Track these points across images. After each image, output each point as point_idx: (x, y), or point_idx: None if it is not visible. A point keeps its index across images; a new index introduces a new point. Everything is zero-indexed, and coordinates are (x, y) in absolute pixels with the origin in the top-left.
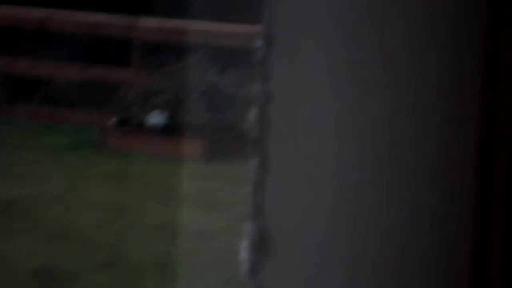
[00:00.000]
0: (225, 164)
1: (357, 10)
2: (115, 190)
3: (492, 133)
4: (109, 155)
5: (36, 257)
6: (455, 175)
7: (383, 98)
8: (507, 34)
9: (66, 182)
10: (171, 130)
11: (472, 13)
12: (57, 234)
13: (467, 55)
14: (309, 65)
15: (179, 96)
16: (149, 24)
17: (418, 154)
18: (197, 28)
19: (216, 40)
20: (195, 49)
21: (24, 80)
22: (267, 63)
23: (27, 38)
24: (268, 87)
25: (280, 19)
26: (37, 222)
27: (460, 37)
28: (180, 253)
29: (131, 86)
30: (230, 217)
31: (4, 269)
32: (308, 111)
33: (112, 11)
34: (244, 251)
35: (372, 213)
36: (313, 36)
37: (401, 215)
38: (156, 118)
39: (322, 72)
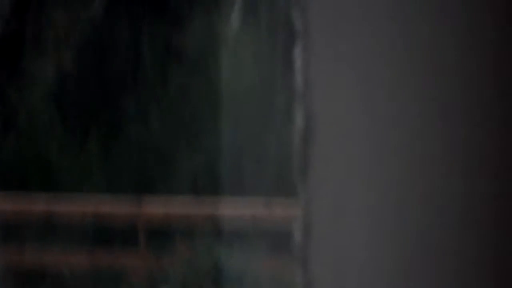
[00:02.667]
0: None
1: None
2: None
3: None
4: None
5: None
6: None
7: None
8: None
9: None
10: None
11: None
12: None
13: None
14: (350, 250)
15: (187, 280)
16: (155, 205)
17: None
18: (204, 208)
19: (223, 222)
20: (202, 229)
21: (30, 272)
22: (305, 250)
23: (31, 228)
24: (308, 275)
25: (317, 202)
26: None
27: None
28: None
29: (138, 271)
30: None
31: None
32: None
33: (118, 191)
34: None
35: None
36: (352, 219)
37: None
38: None
39: (363, 256)
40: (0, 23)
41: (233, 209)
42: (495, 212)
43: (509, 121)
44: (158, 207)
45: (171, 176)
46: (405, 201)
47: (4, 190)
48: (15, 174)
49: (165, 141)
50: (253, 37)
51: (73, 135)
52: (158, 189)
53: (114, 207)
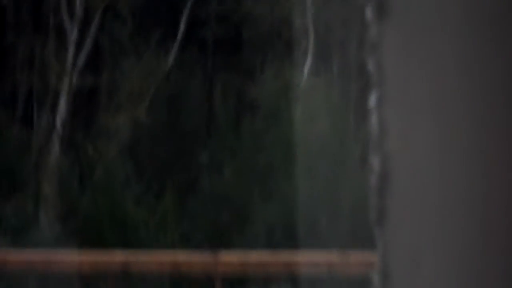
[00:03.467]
0: None
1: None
2: None
3: None
4: None
5: None
6: None
7: None
8: None
9: None
10: None
11: None
12: None
13: None
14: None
15: None
16: (231, 255)
17: None
18: (278, 259)
19: (298, 270)
20: (277, 280)
21: None
22: None
23: (111, 283)
24: None
25: (394, 252)
26: None
27: None
28: None
29: None
30: None
31: None
32: None
33: (194, 247)
34: None
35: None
36: (430, 267)
37: None
38: None
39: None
40: (76, 77)
41: (309, 259)
42: None
43: None
44: (234, 258)
45: (246, 227)
46: (484, 248)
47: (81, 243)
48: (91, 228)
49: (240, 192)
50: (326, 85)
51: (148, 188)
52: (234, 240)
53: (191, 258)
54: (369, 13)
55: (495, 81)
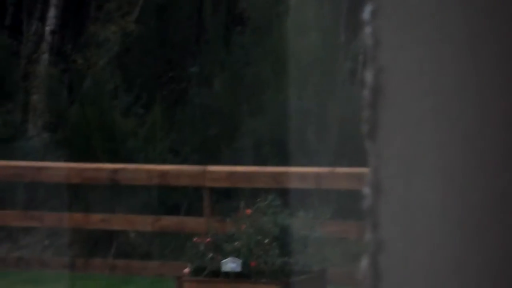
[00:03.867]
0: None
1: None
2: None
3: None
4: None
5: None
6: None
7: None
8: None
9: None
10: (245, 276)
11: None
12: None
13: None
14: (420, 211)
15: (251, 241)
16: (219, 166)
17: None
18: (265, 172)
19: (285, 183)
20: (265, 193)
21: (98, 234)
22: (376, 211)
23: (99, 193)
24: (379, 235)
25: (386, 165)
26: None
27: None
28: None
29: (203, 234)
30: None
31: None
32: (420, 260)
33: (182, 159)
34: None
35: None
36: (422, 180)
37: None
38: (230, 265)
39: (434, 218)
40: None
41: (297, 172)
42: None
43: None
44: (222, 170)
45: (234, 140)
46: (477, 159)
47: (70, 154)
48: (80, 138)
49: (229, 104)
50: None
51: (137, 99)
52: (222, 153)
53: (179, 170)
54: None
55: None
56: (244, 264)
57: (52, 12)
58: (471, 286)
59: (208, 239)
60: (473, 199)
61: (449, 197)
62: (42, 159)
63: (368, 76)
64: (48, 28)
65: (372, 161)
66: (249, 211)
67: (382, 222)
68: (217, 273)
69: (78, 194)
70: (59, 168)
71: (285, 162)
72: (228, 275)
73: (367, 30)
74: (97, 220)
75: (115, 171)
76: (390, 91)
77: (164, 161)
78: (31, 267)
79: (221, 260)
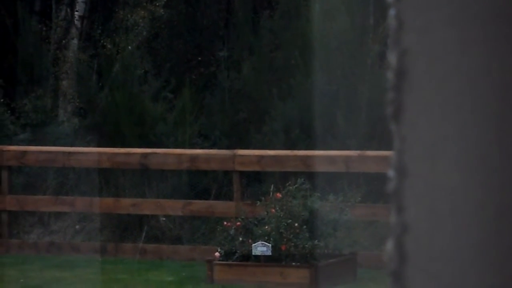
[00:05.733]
0: None
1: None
2: None
3: None
4: None
5: None
6: None
7: None
8: None
9: None
10: (276, 259)
11: None
12: None
13: None
14: (444, 193)
15: (281, 224)
16: (248, 155)
17: None
18: (295, 155)
19: (315, 166)
20: (294, 176)
21: (128, 219)
22: (401, 193)
23: (129, 178)
24: (404, 218)
25: (411, 147)
26: None
27: None
28: None
29: (233, 218)
30: None
31: None
32: (445, 241)
33: (211, 143)
34: None
35: None
36: (447, 162)
37: None
38: (260, 249)
39: (458, 200)
40: None
41: (326, 155)
42: None
43: None
44: (251, 154)
45: (263, 124)
46: (501, 141)
47: (100, 139)
48: (110, 123)
49: (258, 88)
50: None
51: (166, 84)
52: (251, 136)
53: (209, 154)
54: None
55: None
56: (275, 248)
57: None
58: (495, 267)
59: (238, 223)
60: (497, 181)
61: (473, 179)
62: (73, 144)
63: (392, 58)
64: (77, 14)
65: (397, 144)
66: (278, 194)
67: (406, 205)
68: (247, 257)
69: (108, 179)
70: (90, 153)
71: (314, 145)
72: (258, 258)
73: (391, 12)
74: (127, 205)
75: (145, 155)
76: (414, 73)
77: (193, 146)
78: (63, 252)
79: (252, 244)
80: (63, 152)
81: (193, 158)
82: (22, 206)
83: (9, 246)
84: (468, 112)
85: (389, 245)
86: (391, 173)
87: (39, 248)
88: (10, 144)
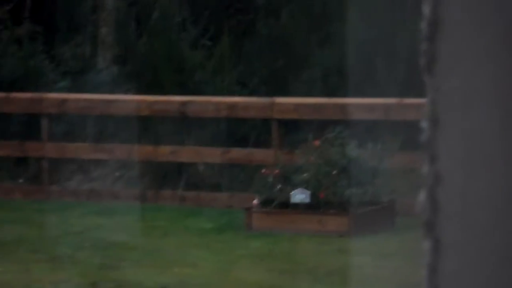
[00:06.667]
0: (370, 238)
1: None
2: (264, 270)
3: None
4: (254, 236)
5: None
6: None
7: None
8: None
9: (215, 265)
10: (314, 207)
11: None
12: None
13: None
14: (478, 143)
15: (320, 172)
16: (286, 103)
17: None
18: (333, 103)
19: (354, 114)
20: (333, 124)
21: (167, 166)
22: (434, 144)
23: (168, 125)
24: (436, 168)
25: (444, 98)
26: None
27: None
28: None
29: (271, 166)
30: None
31: None
32: (478, 192)
33: (250, 91)
34: None
35: None
36: (480, 112)
37: None
38: (298, 196)
39: (491, 150)
40: None
41: (365, 102)
42: None
43: None
44: (290, 102)
45: (302, 71)
46: None
47: (139, 87)
48: (148, 71)
49: (296, 36)
50: None
51: (205, 31)
52: (290, 83)
53: (247, 102)
54: None
55: None
56: (313, 195)
57: None
58: None
59: (277, 171)
60: None
61: (506, 128)
62: (112, 92)
63: (426, 8)
64: None
65: (430, 94)
66: (317, 142)
67: (439, 155)
68: (285, 205)
69: (147, 127)
70: (129, 101)
71: (353, 93)
72: (297, 206)
73: None
74: (166, 152)
75: (184, 103)
76: (448, 23)
77: (232, 93)
78: (102, 199)
79: (290, 192)
80: (102, 100)
81: (232, 106)
82: (62, 153)
83: (49, 193)
84: (502, 62)
85: (422, 196)
86: (424, 123)
87: (79, 195)
88: (50, 92)
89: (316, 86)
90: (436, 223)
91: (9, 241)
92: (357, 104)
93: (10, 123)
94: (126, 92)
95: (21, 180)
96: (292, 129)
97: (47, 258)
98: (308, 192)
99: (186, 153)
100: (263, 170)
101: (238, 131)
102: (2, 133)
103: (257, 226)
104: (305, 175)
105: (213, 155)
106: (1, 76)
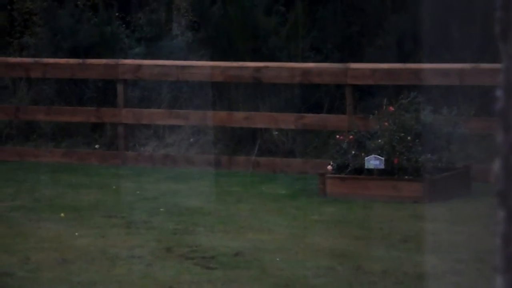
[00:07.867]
0: (445, 204)
1: None
2: (338, 236)
3: None
4: (328, 202)
5: None
6: None
7: None
8: None
9: (289, 231)
10: (388, 173)
11: None
12: (282, 282)
13: None
14: None
15: (394, 138)
16: (361, 68)
17: None
18: (408, 68)
19: (428, 80)
20: (407, 90)
21: (241, 132)
22: (508, 113)
23: (242, 91)
24: (511, 138)
25: None
26: (263, 270)
27: None
28: None
29: (346, 131)
30: (457, 258)
31: None
32: None
33: (324, 57)
34: None
35: None
36: None
37: None
38: (373, 162)
39: None
40: None
41: (440, 67)
42: None
43: None
44: (364, 67)
45: (376, 37)
46: None
47: (213, 53)
48: (223, 37)
49: (371, 0)
50: None
51: None
52: (364, 49)
53: (321, 67)
54: None
55: None
56: (387, 161)
57: None
58: None
59: (351, 137)
60: None
61: None
62: (186, 58)
63: None
64: None
65: (505, 62)
66: (391, 108)
67: None
68: (360, 170)
69: (221, 93)
70: (203, 67)
71: (428, 58)
72: (371, 172)
73: None
74: (240, 118)
75: (258, 69)
76: None
77: (306, 59)
78: (177, 165)
79: (364, 157)
80: (177, 66)
81: (306, 72)
82: (138, 119)
83: (125, 158)
84: None
85: (496, 165)
86: (498, 92)
87: (154, 161)
88: (125, 58)
89: (390, 52)
90: (511, 193)
91: (85, 206)
92: (431, 69)
93: (86, 89)
94: (200, 58)
95: (97, 146)
96: (366, 94)
97: (123, 223)
98: (382, 158)
99: (260, 119)
100: (337, 136)
101: (312, 97)
102: (78, 99)
103: (331, 192)
104: (379, 141)
105: (287, 121)
106: (77, 42)
